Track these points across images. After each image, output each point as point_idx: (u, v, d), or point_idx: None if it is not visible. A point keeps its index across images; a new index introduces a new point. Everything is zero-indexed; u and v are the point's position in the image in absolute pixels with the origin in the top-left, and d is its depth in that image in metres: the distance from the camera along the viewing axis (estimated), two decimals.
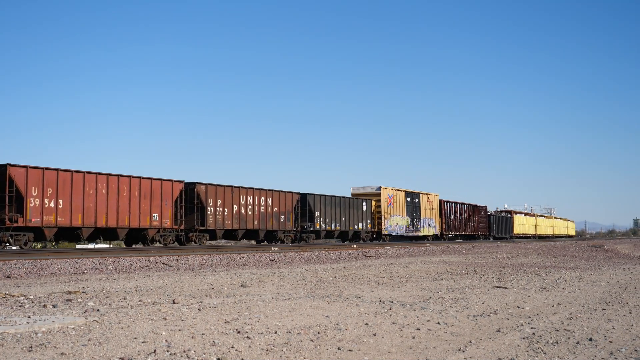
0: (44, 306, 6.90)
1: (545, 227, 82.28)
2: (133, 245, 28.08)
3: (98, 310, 6.65)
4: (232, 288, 9.37)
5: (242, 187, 31.52)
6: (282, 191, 33.95)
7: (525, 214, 76.62)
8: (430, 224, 48.80)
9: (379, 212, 42.26)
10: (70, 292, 8.43)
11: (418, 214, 47.00)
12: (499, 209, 68.33)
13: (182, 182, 29.02)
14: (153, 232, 27.51)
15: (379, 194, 42.34)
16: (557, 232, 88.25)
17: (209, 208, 29.74)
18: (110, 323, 5.76)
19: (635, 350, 5.08)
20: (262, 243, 33.65)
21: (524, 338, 5.49)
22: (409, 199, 45.76)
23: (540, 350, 5.02)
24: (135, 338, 5.07)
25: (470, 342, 5.28)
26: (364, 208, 41.08)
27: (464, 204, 55.64)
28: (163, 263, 14.75)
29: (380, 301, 7.82)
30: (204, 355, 4.51)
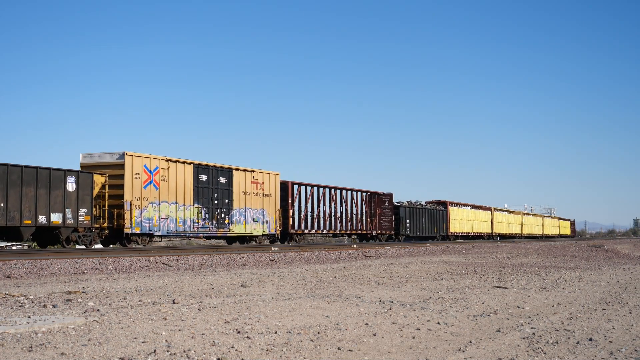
0: (44, 306, 6.91)
1: (508, 224, 63.30)
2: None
3: (98, 310, 6.65)
4: (232, 288, 9.37)
5: None
6: None
7: (474, 206, 57.49)
8: (256, 218, 32.48)
9: (120, 196, 25.18)
10: (70, 292, 8.43)
11: (227, 201, 30.68)
12: (413, 200, 48.09)
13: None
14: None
15: (122, 165, 25.23)
16: (527, 231, 68.40)
17: None
18: (110, 323, 5.76)
19: (635, 350, 5.08)
20: None
21: (524, 338, 5.50)
22: (201, 178, 29.07)
23: (540, 350, 5.02)
24: (135, 338, 5.07)
25: (470, 342, 5.29)
26: (71, 187, 23.60)
27: (348, 189, 39.56)
28: (163, 263, 14.75)
29: (380, 301, 7.82)
30: (204, 355, 4.51)
